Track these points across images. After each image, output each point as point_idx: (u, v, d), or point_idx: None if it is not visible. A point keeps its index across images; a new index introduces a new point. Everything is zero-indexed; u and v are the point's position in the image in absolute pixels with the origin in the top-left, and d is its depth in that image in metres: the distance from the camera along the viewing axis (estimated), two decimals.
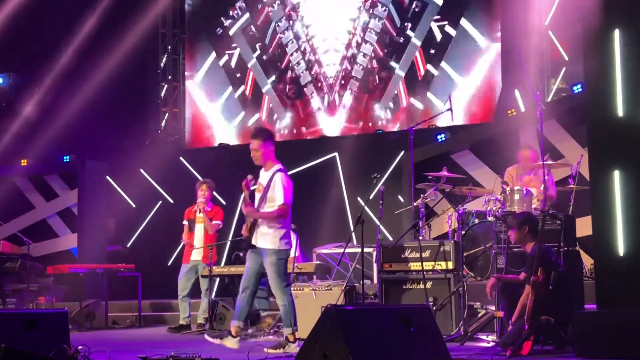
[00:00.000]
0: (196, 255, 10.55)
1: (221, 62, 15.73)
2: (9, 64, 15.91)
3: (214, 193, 11.12)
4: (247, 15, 15.54)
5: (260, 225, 7.50)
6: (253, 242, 7.54)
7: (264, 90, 15.33)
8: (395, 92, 14.26)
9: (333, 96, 14.73)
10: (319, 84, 14.86)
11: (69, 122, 14.53)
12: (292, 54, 15.11)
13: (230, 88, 15.64)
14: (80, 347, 6.14)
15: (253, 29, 15.46)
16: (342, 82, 14.70)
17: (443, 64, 13.96)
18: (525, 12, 13.42)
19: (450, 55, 13.98)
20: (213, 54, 15.81)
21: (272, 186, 7.51)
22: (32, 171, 14.70)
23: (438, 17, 14.09)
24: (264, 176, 7.67)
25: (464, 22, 13.88)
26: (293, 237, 10.42)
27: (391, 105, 14.34)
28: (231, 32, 15.67)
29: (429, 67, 14.09)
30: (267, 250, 7.49)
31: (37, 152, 14.74)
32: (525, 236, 7.54)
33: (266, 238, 7.51)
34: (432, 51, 14.06)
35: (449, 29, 13.96)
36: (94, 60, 14.77)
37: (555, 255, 7.46)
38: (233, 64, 15.64)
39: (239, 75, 15.56)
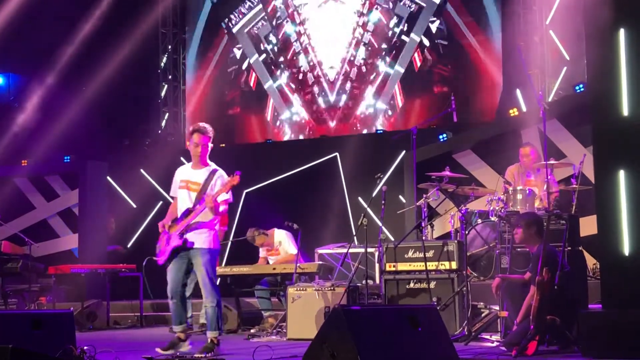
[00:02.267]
0: None
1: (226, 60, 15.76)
2: (9, 64, 15.88)
3: None
4: (254, 11, 15.51)
5: (195, 224, 7.44)
6: (178, 243, 7.44)
7: (266, 87, 15.31)
8: (393, 91, 14.24)
9: (334, 96, 14.73)
10: (320, 84, 14.85)
11: (70, 123, 14.52)
12: (293, 55, 15.10)
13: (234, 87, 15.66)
14: (86, 348, 6.14)
15: (256, 29, 15.44)
16: (343, 82, 14.69)
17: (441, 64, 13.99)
18: (525, 11, 13.44)
19: (450, 55, 14.00)
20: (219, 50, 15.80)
21: (214, 185, 7.44)
22: (33, 171, 14.69)
23: (434, 18, 14.08)
24: (196, 174, 7.55)
25: (460, 21, 13.89)
26: (291, 238, 10.44)
27: (390, 104, 14.33)
28: (235, 30, 15.66)
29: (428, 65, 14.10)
30: (202, 250, 7.44)
31: (37, 153, 14.74)
32: (532, 236, 7.53)
33: (200, 236, 7.46)
34: (430, 47, 14.07)
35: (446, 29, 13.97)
36: (95, 60, 14.75)
37: (561, 255, 7.46)
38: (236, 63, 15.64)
39: (243, 74, 15.56)
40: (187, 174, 7.60)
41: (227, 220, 11.09)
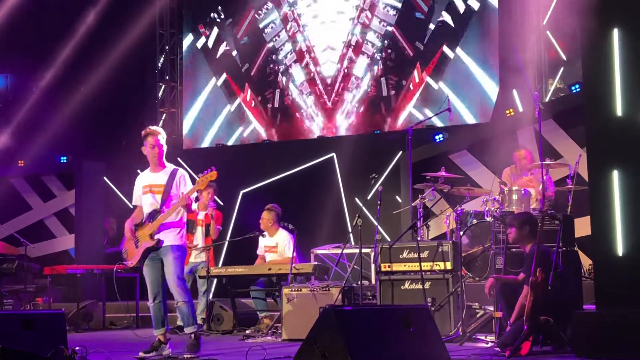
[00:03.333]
0: (195, 257, 10.56)
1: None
2: (6, 64, 15.87)
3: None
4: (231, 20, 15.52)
5: (165, 221, 7.47)
6: (150, 243, 7.46)
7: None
8: (392, 92, 14.22)
9: (330, 96, 14.71)
10: (316, 84, 14.83)
11: (66, 123, 14.51)
12: (288, 54, 15.09)
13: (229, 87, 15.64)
14: (77, 348, 6.13)
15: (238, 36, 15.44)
16: (340, 82, 14.67)
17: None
18: (522, 12, 13.42)
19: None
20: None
21: (179, 183, 7.53)
22: (29, 172, 14.70)
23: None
24: (156, 177, 7.60)
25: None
26: (290, 242, 10.43)
27: (387, 104, 14.31)
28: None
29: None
30: (172, 246, 7.47)
31: (34, 153, 14.72)
32: (525, 236, 7.53)
33: (170, 234, 7.49)
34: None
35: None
36: (91, 60, 14.74)
37: (555, 256, 7.45)
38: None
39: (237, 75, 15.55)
40: (148, 179, 7.69)
41: (221, 220, 11.10)
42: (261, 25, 15.34)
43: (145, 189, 7.65)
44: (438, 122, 13.23)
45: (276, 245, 10.61)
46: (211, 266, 10.44)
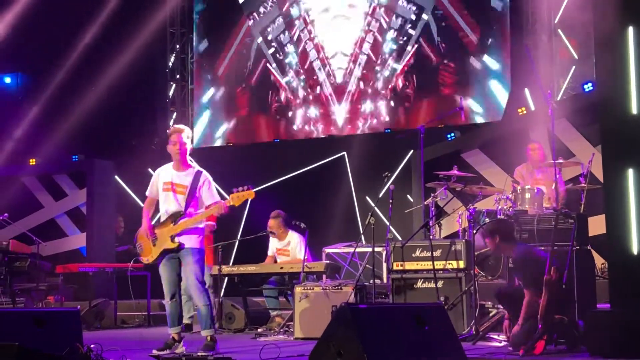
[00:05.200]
0: None
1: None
2: (18, 63, 15.92)
3: (221, 190, 11.11)
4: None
5: (187, 225, 7.43)
6: (171, 246, 7.44)
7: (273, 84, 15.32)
8: (406, 91, 14.20)
9: (341, 95, 14.70)
10: (326, 82, 14.82)
11: (78, 122, 14.54)
12: (296, 52, 15.09)
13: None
14: (92, 346, 6.13)
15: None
16: (351, 80, 14.65)
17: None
18: (534, 11, 13.39)
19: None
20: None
21: (202, 186, 7.46)
22: (41, 171, 14.73)
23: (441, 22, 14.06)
24: (180, 176, 7.52)
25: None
26: (302, 243, 10.43)
27: (399, 103, 14.30)
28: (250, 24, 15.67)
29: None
30: (193, 249, 7.44)
31: (45, 152, 14.76)
32: (500, 244, 7.41)
33: (192, 238, 7.46)
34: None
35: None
36: (102, 59, 14.78)
37: (543, 253, 7.37)
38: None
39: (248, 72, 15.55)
40: (172, 176, 7.56)
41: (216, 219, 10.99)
42: (267, 23, 15.32)
43: (166, 185, 7.53)
44: (449, 122, 13.21)
45: (288, 247, 10.59)
46: (209, 264, 10.37)
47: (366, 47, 14.57)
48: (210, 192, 7.48)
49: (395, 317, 5.67)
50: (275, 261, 10.66)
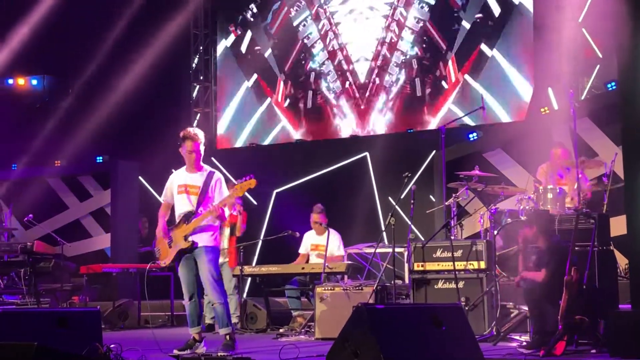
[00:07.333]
0: (221, 257, 10.59)
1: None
2: (44, 66, 16.07)
3: (246, 193, 11.13)
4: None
5: (201, 224, 7.49)
6: (185, 246, 7.49)
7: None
8: (427, 91, 14.16)
9: (363, 95, 14.68)
10: (349, 83, 14.81)
11: (102, 123, 14.65)
12: (320, 52, 15.09)
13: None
14: (112, 346, 6.18)
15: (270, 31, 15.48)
16: (373, 80, 14.63)
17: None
18: (557, 9, 13.29)
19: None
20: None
21: (214, 187, 7.56)
22: (66, 172, 14.86)
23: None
24: (193, 177, 7.62)
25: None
26: (339, 235, 10.48)
27: (421, 103, 14.26)
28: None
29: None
30: (206, 247, 7.49)
31: (70, 153, 14.89)
32: (535, 235, 7.50)
33: (204, 235, 7.51)
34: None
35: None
36: (127, 61, 14.87)
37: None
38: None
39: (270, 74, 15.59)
40: (184, 178, 7.69)
41: (246, 219, 11.01)
42: (294, 24, 15.37)
43: (180, 188, 7.65)
44: (470, 122, 13.16)
45: (325, 243, 10.55)
46: (232, 266, 10.42)
47: (386, 47, 14.54)
48: (220, 192, 7.59)
49: (412, 317, 5.66)
50: (308, 259, 10.67)
